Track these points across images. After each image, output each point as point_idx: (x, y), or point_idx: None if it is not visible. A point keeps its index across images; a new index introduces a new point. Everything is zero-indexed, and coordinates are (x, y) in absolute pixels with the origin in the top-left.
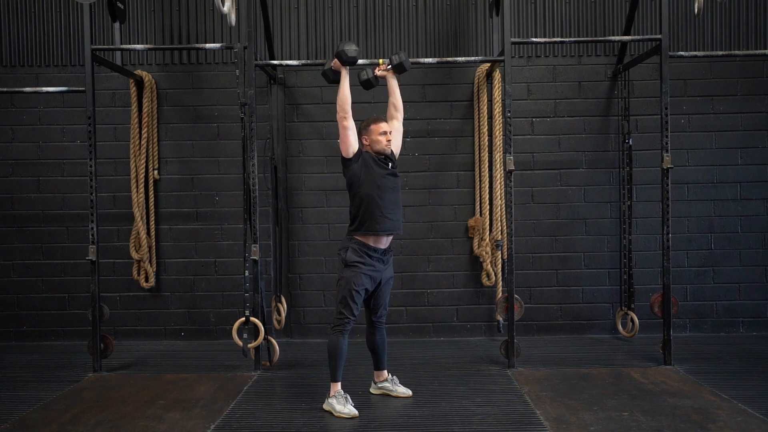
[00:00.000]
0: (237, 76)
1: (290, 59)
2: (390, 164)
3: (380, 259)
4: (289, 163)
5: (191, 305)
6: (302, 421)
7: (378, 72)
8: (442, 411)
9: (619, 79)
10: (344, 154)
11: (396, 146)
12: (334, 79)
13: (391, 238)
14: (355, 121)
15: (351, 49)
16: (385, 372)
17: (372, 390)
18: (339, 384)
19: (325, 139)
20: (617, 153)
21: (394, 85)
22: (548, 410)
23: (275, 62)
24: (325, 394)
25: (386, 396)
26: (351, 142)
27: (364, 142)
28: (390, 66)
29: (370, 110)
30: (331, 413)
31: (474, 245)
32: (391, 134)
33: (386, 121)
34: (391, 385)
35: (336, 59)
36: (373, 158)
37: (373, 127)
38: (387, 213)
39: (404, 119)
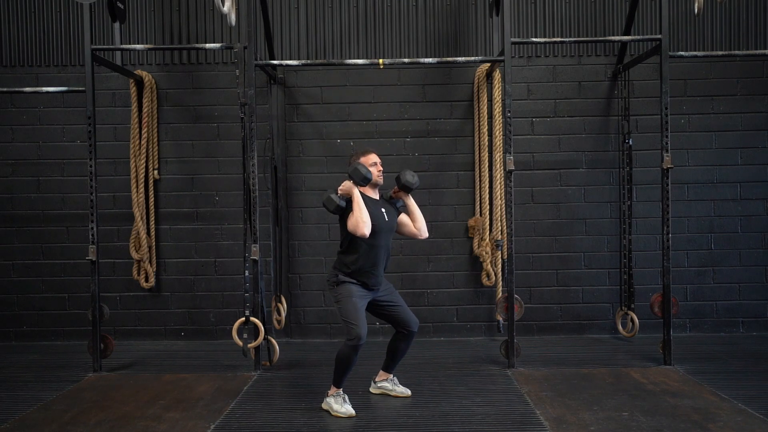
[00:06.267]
0: (237, 76)
1: (290, 59)
2: (385, 211)
3: (369, 290)
4: (289, 163)
5: (191, 305)
6: (302, 421)
7: (393, 195)
8: (442, 411)
9: (619, 79)
10: (349, 231)
11: (401, 221)
12: (339, 204)
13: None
14: (357, 121)
15: (364, 168)
16: (390, 374)
17: (371, 389)
18: (340, 389)
19: (325, 139)
20: (617, 153)
21: (410, 204)
22: (548, 410)
23: (275, 62)
24: (325, 393)
25: (386, 396)
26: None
27: None
28: (399, 189)
29: (372, 109)
30: (329, 412)
31: (474, 245)
32: (380, 165)
33: (376, 153)
34: (391, 385)
35: (345, 182)
36: (368, 204)
37: (362, 159)
38: (376, 271)
39: (404, 119)
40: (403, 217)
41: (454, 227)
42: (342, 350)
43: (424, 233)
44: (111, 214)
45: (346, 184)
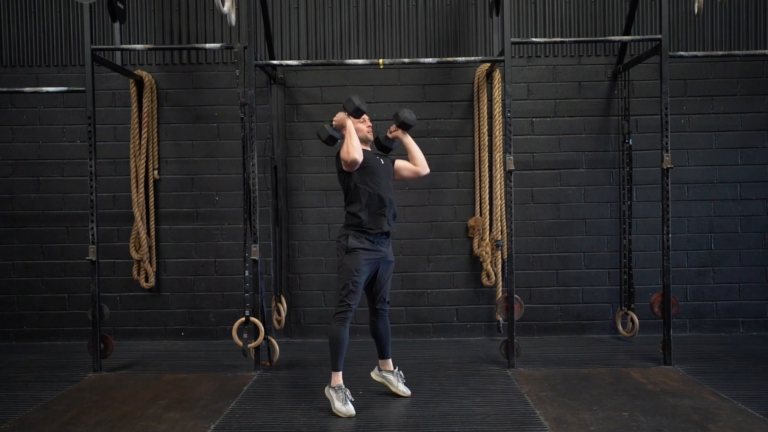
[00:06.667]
0: (237, 76)
1: (290, 59)
2: (380, 159)
3: (380, 242)
4: (289, 163)
5: (191, 305)
6: (302, 421)
7: (389, 135)
8: (442, 411)
9: (619, 79)
10: (347, 169)
11: (399, 166)
12: (333, 135)
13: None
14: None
15: (356, 98)
16: (391, 362)
17: (373, 375)
18: (340, 374)
19: None
20: (617, 153)
21: (407, 143)
22: (548, 410)
23: (275, 62)
24: (327, 383)
25: (386, 396)
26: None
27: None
28: (396, 125)
29: (371, 109)
30: (330, 406)
31: (474, 245)
32: (371, 122)
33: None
34: (395, 380)
35: (339, 114)
36: (364, 155)
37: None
38: (384, 212)
39: None
40: (400, 162)
41: (454, 227)
42: (332, 330)
43: (425, 169)
44: (111, 214)
45: (340, 115)
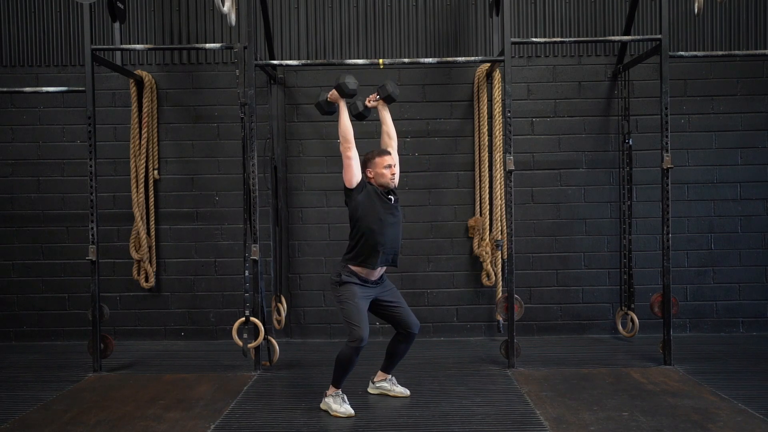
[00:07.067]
0: (237, 76)
1: (290, 59)
2: (393, 199)
3: (372, 288)
4: (289, 163)
5: (191, 305)
6: (302, 421)
7: (369, 103)
8: (442, 411)
9: (619, 79)
10: (347, 185)
11: (396, 177)
12: (328, 110)
13: (384, 269)
14: (357, 121)
15: (351, 81)
16: (388, 374)
17: (370, 390)
18: (339, 390)
19: (325, 139)
20: (617, 153)
21: (385, 115)
22: (548, 410)
23: (275, 62)
24: (323, 394)
25: (385, 396)
26: (355, 172)
27: (369, 174)
28: (379, 97)
29: (368, 126)
30: (328, 412)
31: (474, 245)
32: (395, 167)
33: (390, 153)
34: (389, 384)
35: (334, 90)
36: (377, 192)
37: (378, 160)
38: (386, 249)
39: (404, 119)
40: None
41: (454, 227)
42: (343, 351)
43: (394, 132)
44: (111, 214)
45: (334, 93)
